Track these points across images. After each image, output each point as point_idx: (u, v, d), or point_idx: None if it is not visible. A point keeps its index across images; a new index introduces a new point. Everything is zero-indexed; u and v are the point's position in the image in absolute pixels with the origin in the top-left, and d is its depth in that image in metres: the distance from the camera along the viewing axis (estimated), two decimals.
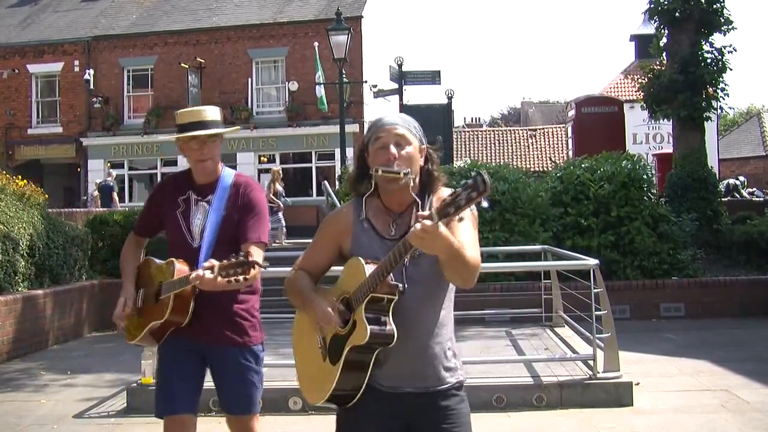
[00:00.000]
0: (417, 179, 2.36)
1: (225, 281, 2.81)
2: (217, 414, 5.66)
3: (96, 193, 19.52)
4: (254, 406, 3.30)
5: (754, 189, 22.98)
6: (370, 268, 2.26)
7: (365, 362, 2.28)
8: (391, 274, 2.23)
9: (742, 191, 19.17)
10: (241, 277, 2.80)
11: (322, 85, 21.18)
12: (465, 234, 2.22)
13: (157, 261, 3.31)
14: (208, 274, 2.83)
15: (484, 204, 1.96)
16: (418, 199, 2.35)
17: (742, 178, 21.47)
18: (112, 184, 19.57)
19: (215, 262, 2.85)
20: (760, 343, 8.25)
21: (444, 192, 2.37)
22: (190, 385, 3.26)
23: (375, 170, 2.30)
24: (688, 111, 13.14)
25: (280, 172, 17.99)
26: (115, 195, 19.18)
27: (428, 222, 1.99)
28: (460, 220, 2.03)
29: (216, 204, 3.24)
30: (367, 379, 2.30)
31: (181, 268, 3.11)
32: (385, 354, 2.29)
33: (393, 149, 2.31)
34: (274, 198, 15.65)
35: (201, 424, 3.36)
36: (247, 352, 3.26)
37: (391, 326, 2.25)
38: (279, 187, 16.80)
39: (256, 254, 3.06)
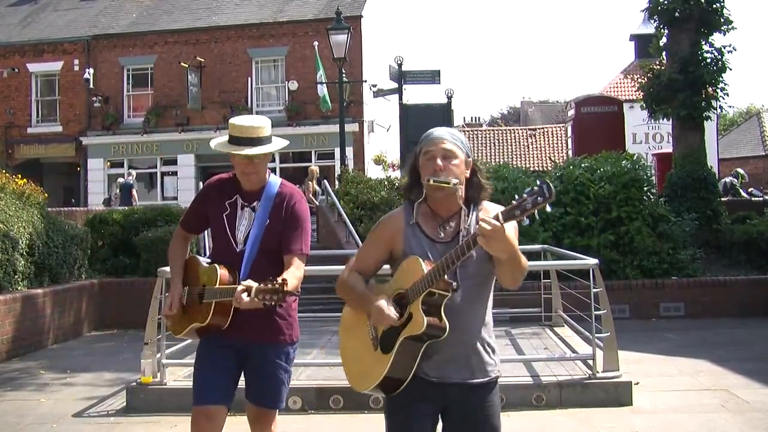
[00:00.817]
0: (462, 190, 2.58)
1: (260, 303, 3.01)
2: None
3: (118, 191, 20.10)
4: (280, 402, 3.45)
5: (752, 188, 22.89)
6: (427, 266, 2.47)
7: (415, 353, 2.48)
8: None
9: (740, 190, 18.90)
10: (274, 302, 3.00)
11: (325, 85, 21.11)
12: (514, 241, 2.42)
13: (203, 261, 3.46)
14: (244, 297, 3.00)
15: (548, 209, 2.23)
16: (464, 207, 2.57)
17: (740, 170, 21.01)
18: (132, 182, 20.37)
19: (253, 284, 3.02)
20: (760, 343, 8.25)
21: (486, 205, 2.61)
22: (222, 378, 3.33)
23: (427, 180, 2.53)
24: (687, 110, 13.13)
25: (317, 171, 17.97)
26: (134, 192, 19.91)
27: (496, 222, 2.25)
28: (521, 222, 2.29)
29: (261, 212, 3.36)
30: (415, 368, 2.48)
31: (223, 275, 3.27)
32: (434, 347, 2.48)
33: (439, 161, 2.53)
34: (312, 198, 15.67)
35: None
36: (280, 351, 3.39)
37: (444, 320, 2.45)
38: (317, 187, 16.80)
39: (298, 266, 3.28)
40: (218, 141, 3.43)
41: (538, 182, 2.23)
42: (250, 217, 3.38)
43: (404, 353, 2.46)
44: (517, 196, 2.29)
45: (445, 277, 2.43)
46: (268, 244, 3.33)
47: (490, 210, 2.55)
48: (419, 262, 2.47)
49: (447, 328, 2.44)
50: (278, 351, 3.39)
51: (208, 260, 3.48)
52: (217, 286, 3.23)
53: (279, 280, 3.01)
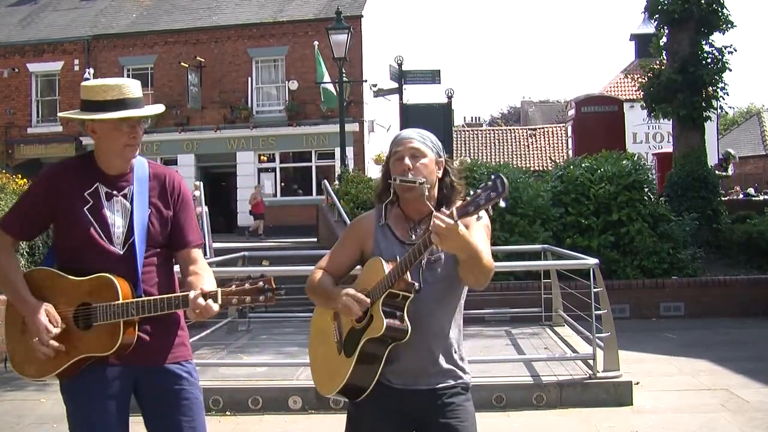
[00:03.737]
0: (434, 191, 2.51)
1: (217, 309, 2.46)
2: (216, 413, 5.66)
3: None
4: None
5: (750, 188, 22.83)
6: (389, 267, 2.40)
7: (378, 356, 2.40)
8: (409, 274, 2.36)
9: (728, 167, 18.49)
10: (259, 303, 2.46)
11: (324, 80, 20.86)
12: (479, 239, 2.35)
13: (65, 275, 2.60)
14: (213, 306, 2.45)
15: (502, 204, 2.10)
16: (434, 209, 2.45)
17: (730, 150, 20.53)
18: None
19: (212, 289, 2.47)
20: (760, 343, 8.25)
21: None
22: (124, 427, 2.70)
23: (393, 179, 2.47)
24: (687, 110, 13.13)
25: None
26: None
27: (449, 219, 2.13)
28: (479, 218, 2.20)
29: (139, 199, 2.65)
30: (378, 373, 2.41)
31: (124, 286, 2.53)
32: (397, 351, 2.41)
33: (407, 161, 2.46)
34: None
35: None
36: (190, 368, 2.72)
37: (406, 322, 2.37)
38: None
39: (204, 262, 2.73)
40: (74, 113, 2.66)
41: (492, 176, 2.14)
42: (124, 208, 2.64)
43: (367, 356, 2.40)
44: (471, 192, 2.20)
45: (407, 277, 2.36)
46: (156, 239, 2.66)
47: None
48: (381, 263, 2.42)
49: (408, 330, 2.36)
50: (189, 369, 2.71)
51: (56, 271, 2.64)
52: (122, 300, 2.50)
53: (260, 276, 2.48)
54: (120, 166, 2.66)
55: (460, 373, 2.53)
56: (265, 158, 24.83)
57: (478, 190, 2.14)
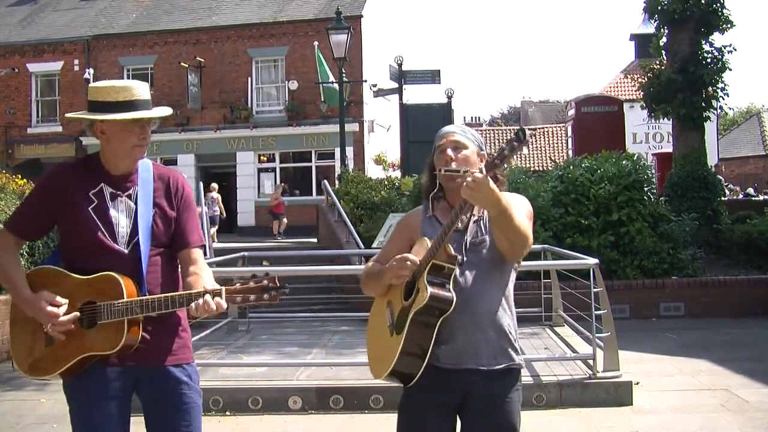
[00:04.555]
0: None
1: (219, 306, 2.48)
2: (216, 413, 5.66)
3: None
4: None
5: (750, 189, 22.92)
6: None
7: (428, 329, 2.46)
8: (452, 249, 2.47)
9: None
10: (263, 301, 2.48)
11: (329, 80, 20.75)
12: (519, 214, 2.47)
13: (70, 273, 2.62)
14: (222, 303, 2.46)
15: (525, 150, 2.15)
16: None
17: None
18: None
19: (214, 287, 2.50)
20: (760, 343, 8.24)
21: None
22: (125, 428, 2.72)
23: (438, 170, 2.59)
24: (687, 110, 13.14)
25: None
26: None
27: (478, 174, 2.26)
28: (505, 169, 2.35)
29: (144, 200, 2.68)
30: (429, 352, 2.46)
31: (128, 285, 2.54)
32: (447, 332, 2.49)
33: (450, 152, 2.61)
34: None
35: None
36: (191, 371, 2.73)
37: (451, 292, 2.46)
38: None
39: (204, 262, 2.76)
40: (83, 113, 2.67)
41: (513, 131, 2.29)
42: (129, 208, 2.66)
43: (416, 331, 2.45)
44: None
45: (449, 249, 2.46)
46: (160, 238, 2.69)
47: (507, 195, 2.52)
48: (426, 241, 2.53)
49: (453, 299, 2.44)
50: (190, 372, 2.72)
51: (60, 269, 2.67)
52: (126, 299, 2.50)
53: (265, 274, 2.52)
54: (126, 167, 2.69)
55: (513, 355, 2.60)
56: (265, 158, 24.84)
57: (503, 145, 2.26)
